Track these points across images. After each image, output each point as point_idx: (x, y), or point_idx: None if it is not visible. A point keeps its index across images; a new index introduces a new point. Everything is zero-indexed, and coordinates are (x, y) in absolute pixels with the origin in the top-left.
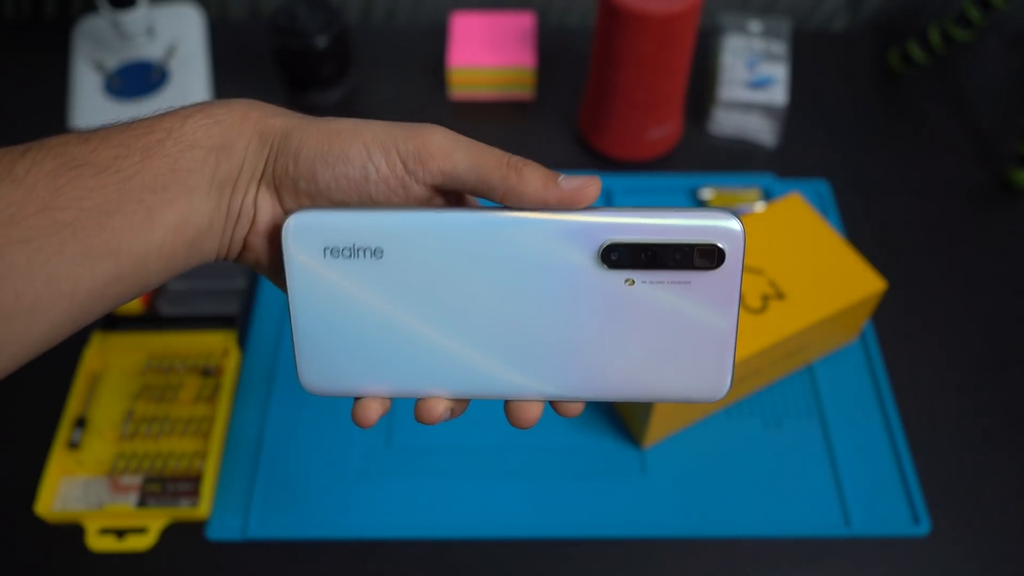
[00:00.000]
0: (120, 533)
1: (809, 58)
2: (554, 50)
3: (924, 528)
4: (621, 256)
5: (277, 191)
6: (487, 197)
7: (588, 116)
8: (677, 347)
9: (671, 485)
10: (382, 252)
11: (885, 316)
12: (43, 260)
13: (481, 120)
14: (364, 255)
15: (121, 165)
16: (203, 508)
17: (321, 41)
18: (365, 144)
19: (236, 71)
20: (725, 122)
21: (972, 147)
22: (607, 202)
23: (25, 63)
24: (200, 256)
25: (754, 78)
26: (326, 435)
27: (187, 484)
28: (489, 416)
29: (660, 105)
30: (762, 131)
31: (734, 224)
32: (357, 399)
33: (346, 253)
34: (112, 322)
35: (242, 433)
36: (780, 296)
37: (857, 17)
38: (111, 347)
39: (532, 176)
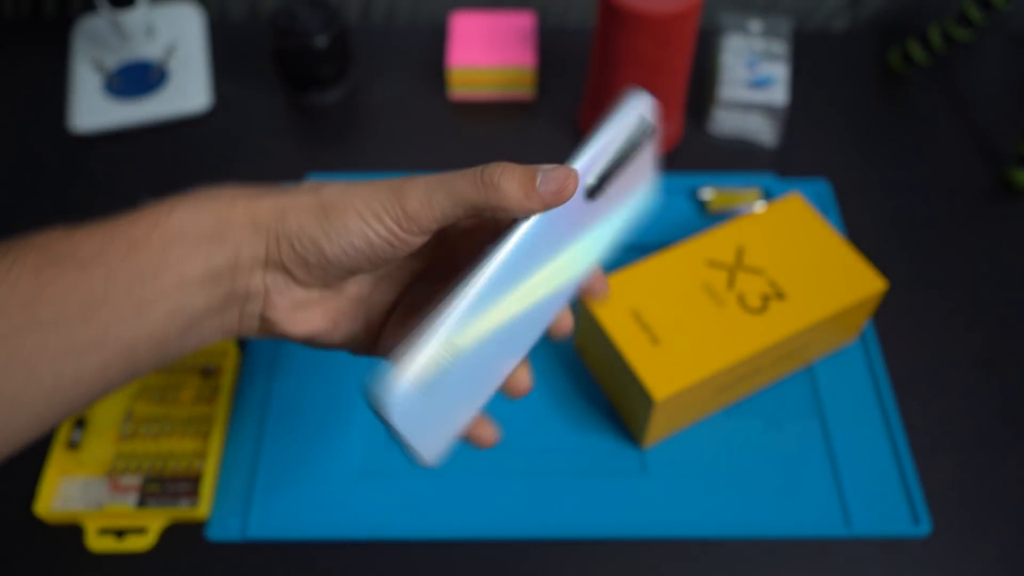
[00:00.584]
0: (120, 533)
1: (809, 58)
2: (554, 50)
3: (924, 528)
4: (599, 187)
5: (287, 270)
6: (481, 215)
7: (588, 116)
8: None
9: (671, 485)
10: (456, 348)
11: (885, 316)
12: (24, 356)
13: (481, 120)
14: (444, 365)
15: (106, 259)
16: (203, 508)
17: (321, 41)
18: (359, 212)
19: (236, 71)
20: (725, 122)
21: (972, 147)
22: None
23: (25, 63)
24: (198, 339)
25: (754, 78)
26: (326, 435)
27: (187, 484)
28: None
29: (660, 105)
30: (762, 131)
31: (645, 102)
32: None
33: (432, 382)
34: None
35: (242, 433)
36: (780, 296)
37: (857, 17)
38: None
39: (509, 186)
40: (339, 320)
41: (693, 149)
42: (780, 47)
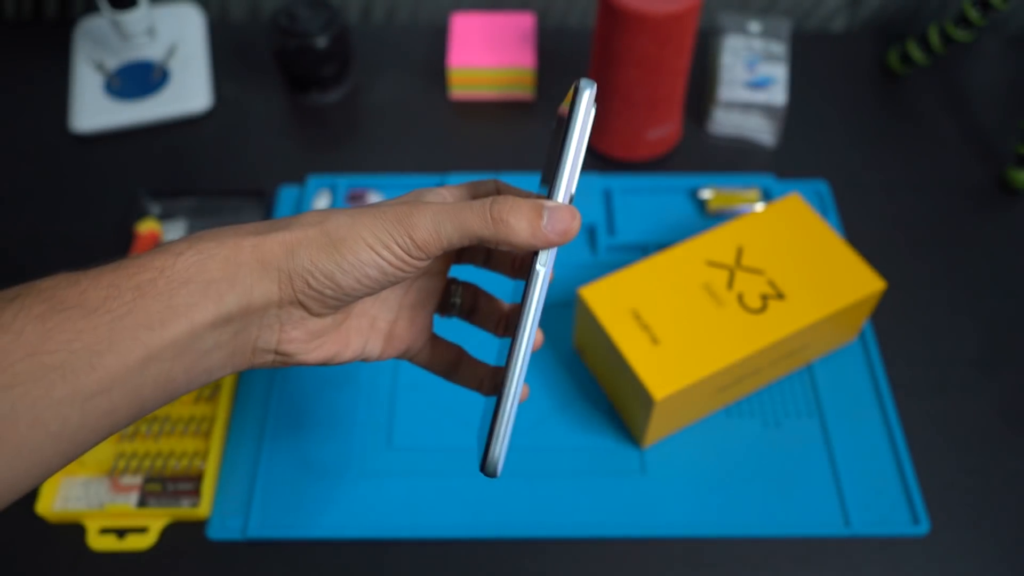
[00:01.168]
0: (120, 533)
1: (809, 58)
2: (554, 50)
3: (924, 528)
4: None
5: (302, 305)
6: (484, 245)
7: None
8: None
9: (671, 485)
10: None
11: (885, 316)
12: (29, 404)
13: (481, 120)
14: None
15: (112, 306)
16: (203, 508)
17: (321, 41)
18: (368, 244)
19: (236, 71)
20: (725, 122)
21: (972, 147)
22: (607, 203)
23: (26, 63)
24: (207, 376)
25: (754, 78)
26: (326, 435)
27: (187, 484)
28: None
29: (660, 105)
30: (762, 131)
31: (592, 91)
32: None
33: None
34: None
35: (242, 433)
36: (780, 296)
37: (857, 17)
38: None
39: (518, 225)
40: (350, 338)
41: (693, 149)
42: (779, 47)
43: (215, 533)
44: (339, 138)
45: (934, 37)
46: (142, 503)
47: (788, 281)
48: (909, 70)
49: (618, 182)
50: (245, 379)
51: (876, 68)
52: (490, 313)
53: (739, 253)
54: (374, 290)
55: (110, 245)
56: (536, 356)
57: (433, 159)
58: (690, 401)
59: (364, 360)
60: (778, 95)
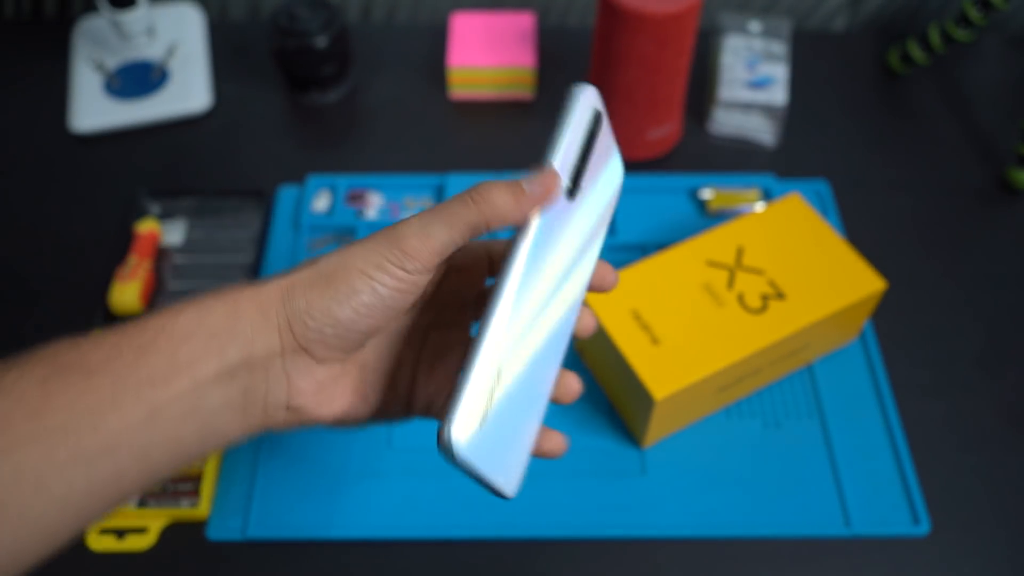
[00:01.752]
0: (120, 533)
1: (809, 58)
2: (554, 50)
3: (924, 528)
4: (575, 186)
5: (306, 351)
6: (480, 235)
7: None
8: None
9: (671, 485)
10: (503, 374)
11: (885, 316)
12: (31, 467)
13: (481, 120)
14: (498, 394)
15: (114, 366)
16: (203, 508)
17: (321, 41)
18: (361, 270)
19: (236, 71)
20: (725, 122)
21: (972, 147)
22: None
23: (26, 63)
24: (222, 438)
25: (754, 78)
26: (326, 435)
27: (187, 484)
28: None
29: (660, 105)
30: (762, 131)
31: (591, 94)
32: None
33: (492, 414)
34: (113, 319)
35: None
36: (780, 296)
37: (857, 17)
38: None
39: (500, 197)
40: (366, 392)
41: (693, 149)
42: (780, 47)
43: (215, 533)
44: (339, 138)
45: (935, 37)
46: (141, 503)
47: (788, 281)
48: (909, 70)
49: None
50: None
51: (876, 68)
52: None
53: (739, 253)
54: (376, 321)
55: (110, 245)
56: None
57: (433, 159)
58: (690, 401)
59: (390, 421)
60: (778, 95)
